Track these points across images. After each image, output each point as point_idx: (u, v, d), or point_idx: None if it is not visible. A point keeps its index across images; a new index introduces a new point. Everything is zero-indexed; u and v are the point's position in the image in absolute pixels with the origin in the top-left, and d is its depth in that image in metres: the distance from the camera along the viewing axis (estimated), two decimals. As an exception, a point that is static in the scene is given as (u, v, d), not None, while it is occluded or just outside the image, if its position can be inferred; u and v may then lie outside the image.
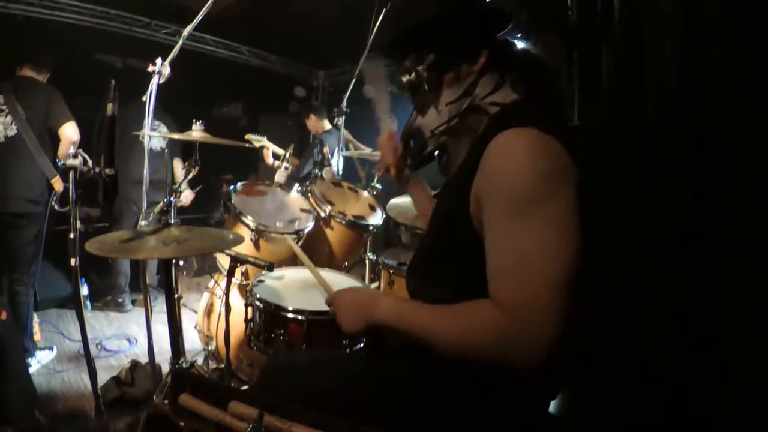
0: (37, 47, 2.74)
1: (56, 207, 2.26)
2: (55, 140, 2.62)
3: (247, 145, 2.47)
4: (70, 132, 2.58)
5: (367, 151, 3.73)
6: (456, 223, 0.88)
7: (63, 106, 2.62)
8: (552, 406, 1.02)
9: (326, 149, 2.84)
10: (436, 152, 1.06)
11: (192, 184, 3.30)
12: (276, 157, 3.35)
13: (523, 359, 0.75)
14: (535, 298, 0.75)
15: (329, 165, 2.76)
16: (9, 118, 2.47)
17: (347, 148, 3.81)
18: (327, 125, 3.99)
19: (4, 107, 2.47)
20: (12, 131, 2.47)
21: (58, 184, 2.53)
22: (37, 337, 2.70)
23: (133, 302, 3.52)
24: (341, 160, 3.49)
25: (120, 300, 3.41)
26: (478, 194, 0.84)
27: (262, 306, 1.52)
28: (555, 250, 0.76)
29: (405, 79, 1.00)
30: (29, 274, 2.58)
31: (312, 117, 4.07)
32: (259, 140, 3.41)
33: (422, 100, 1.01)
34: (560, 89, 0.99)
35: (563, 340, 0.74)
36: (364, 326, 0.93)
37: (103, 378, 2.15)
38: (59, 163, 1.63)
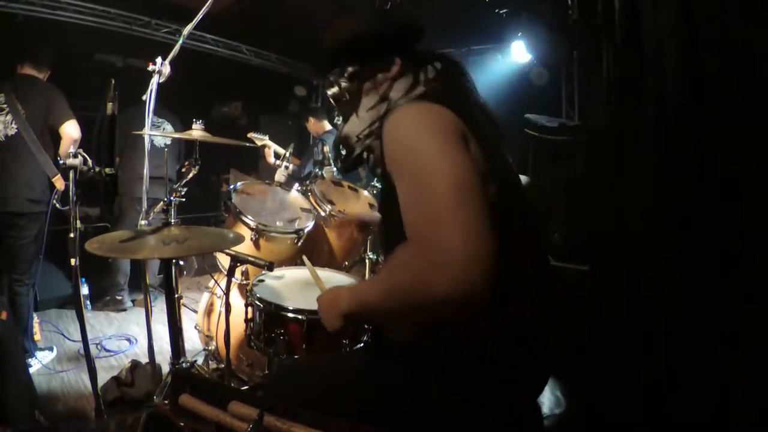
0: (37, 45, 2.74)
1: (58, 206, 2.25)
2: (56, 139, 2.61)
3: (247, 144, 2.47)
4: (71, 130, 2.57)
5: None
6: (392, 203, 0.92)
7: (64, 104, 2.61)
8: (552, 406, 1.02)
9: (326, 148, 2.83)
10: (364, 155, 1.12)
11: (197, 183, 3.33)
12: (277, 156, 3.37)
13: (445, 278, 0.72)
14: (436, 218, 0.76)
15: (330, 164, 2.76)
16: (9, 117, 2.46)
17: None
18: (327, 126, 4.01)
19: (4, 106, 2.46)
20: (12, 130, 2.47)
21: (59, 182, 2.53)
22: (37, 337, 2.70)
23: (133, 302, 3.53)
24: None
25: (119, 298, 3.41)
26: (389, 169, 0.90)
27: (262, 306, 1.52)
28: (440, 169, 0.79)
29: (330, 92, 1.10)
30: (30, 274, 2.58)
31: (311, 119, 4.09)
32: (261, 139, 3.41)
33: (346, 109, 1.12)
34: (467, 84, 1.10)
35: (489, 253, 0.73)
36: (341, 321, 0.98)
37: (103, 378, 2.16)
38: (60, 162, 1.62)
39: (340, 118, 1.17)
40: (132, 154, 3.22)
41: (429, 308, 0.79)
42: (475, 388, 0.90)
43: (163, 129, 3.35)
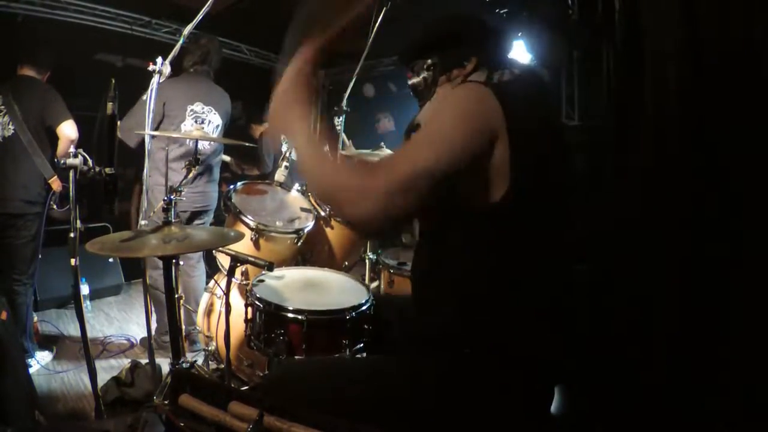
0: (36, 46, 2.74)
1: (54, 207, 2.25)
2: (54, 140, 2.61)
3: (247, 144, 2.48)
4: (68, 130, 2.57)
5: (366, 151, 3.75)
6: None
7: (61, 104, 2.61)
8: (552, 407, 1.02)
9: (326, 149, 2.83)
10: None
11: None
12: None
13: (355, 208, 0.85)
14: (387, 172, 0.85)
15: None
16: (6, 118, 2.46)
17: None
18: None
19: (1, 107, 2.46)
20: (9, 131, 2.47)
21: (56, 183, 2.53)
22: (37, 337, 2.70)
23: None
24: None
25: None
26: None
27: (262, 306, 1.52)
28: (425, 150, 0.87)
29: (410, 81, 1.18)
30: (28, 275, 2.57)
31: (260, 126, 4.18)
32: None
33: (421, 98, 1.17)
34: (548, 89, 1.12)
35: (391, 220, 0.84)
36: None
37: (103, 378, 2.16)
38: (59, 163, 1.62)
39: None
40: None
41: (328, 199, 0.99)
42: (476, 388, 0.90)
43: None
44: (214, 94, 2.75)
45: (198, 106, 2.64)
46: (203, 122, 2.65)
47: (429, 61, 1.13)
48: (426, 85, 1.14)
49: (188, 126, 2.58)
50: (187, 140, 2.47)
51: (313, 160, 0.91)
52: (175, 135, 2.45)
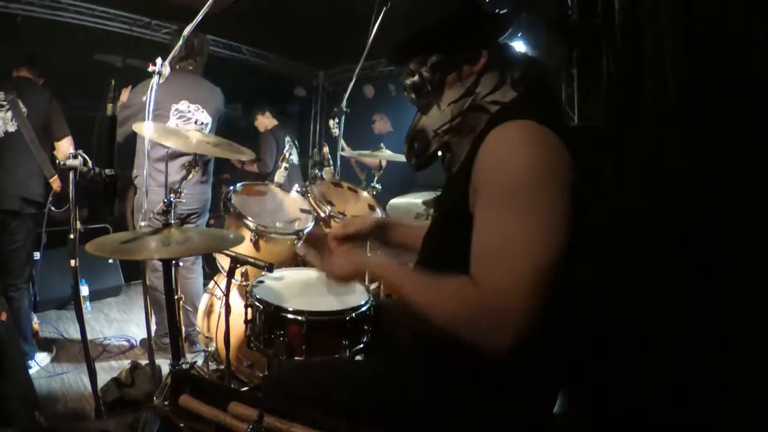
0: (32, 50, 2.74)
1: (52, 208, 2.24)
2: (52, 141, 2.62)
3: (244, 148, 2.46)
4: (66, 147, 2.59)
5: (366, 152, 3.75)
6: (458, 218, 0.90)
7: (62, 118, 2.62)
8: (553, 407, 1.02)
9: (326, 149, 2.83)
10: (440, 152, 1.08)
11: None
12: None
13: (489, 339, 0.76)
14: (512, 284, 0.76)
15: (329, 165, 2.76)
16: (9, 114, 2.45)
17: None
18: (275, 120, 4.26)
19: (4, 103, 2.46)
20: (12, 127, 2.45)
21: (56, 183, 2.52)
22: (36, 338, 2.70)
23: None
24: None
25: None
26: (474, 185, 0.86)
27: (261, 307, 1.52)
28: (538, 239, 0.77)
29: (409, 81, 1.03)
30: (23, 278, 2.54)
31: (261, 115, 4.27)
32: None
33: (425, 101, 1.04)
34: (556, 88, 1.05)
35: (534, 330, 0.75)
36: (356, 271, 1.00)
37: (103, 379, 2.15)
38: (59, 164, 1.61)
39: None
40: None
41: (452, 334, 0.80)
42: (477, 388, 0.89)
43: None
44: (201, 91, 2.65)
45: (183, 105, 2.56)
46: (188, 121, 2.56)
47: (432, 58, 0.99)
48: (432, 87, 1.00)
49: (172, 126, 2.49)
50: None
51: (407, 292, 0.88)
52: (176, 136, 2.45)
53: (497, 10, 1.10)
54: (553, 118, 0.89)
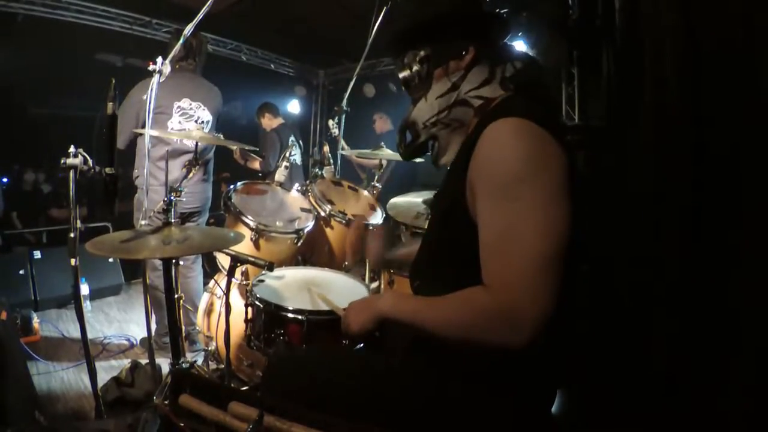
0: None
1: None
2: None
3: (246, 147, 2.46)
4: None
5: (366, 152, 3.76)
6: (455, 217, 0.91)
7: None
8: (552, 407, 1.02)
9: (326, 149, 2.83)
10: (429, 143, 1.10)
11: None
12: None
13: (510, 338, 0.77)
14: (522, 278, 0.77)
15: (330, 164, 2.76)
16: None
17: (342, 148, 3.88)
18: (281, 119, 4.28)
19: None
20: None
21: None
22: (37, 336, 2.69)
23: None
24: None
25: None
26: (471, 183, 0.88)
27: (262, 306, 1.52)
28: (541, 229, 0.79)
29: (401, 74, 1.08)
30: None
31: (267, 114, 4.26)
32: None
33: (416, 94, 1.08)
34: (555, 88, 1.05)
35: (550, 320, 0.76)
36: (372, 322, 0.99)
37: (103, 378, 2.15)
38: (60, 162, 1.61)
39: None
40: None
41: (475, 347, 0.81)
42: (477, 387, 0.89)
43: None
44: (201, 89, 2.68)
45: (185, 103, 2.58)
46: (190, 119, 2.58)
47: (422, 52, 1.03)
48: (420, 80, 1.04)
49: (175, 123, 2.52)
50: (175, 138, 2.44)
51: (429, 324, 0.87)
52: (173, 135, 2.45)
53: (497, 10, 1.10)
54: (546, 116, 0.90)
